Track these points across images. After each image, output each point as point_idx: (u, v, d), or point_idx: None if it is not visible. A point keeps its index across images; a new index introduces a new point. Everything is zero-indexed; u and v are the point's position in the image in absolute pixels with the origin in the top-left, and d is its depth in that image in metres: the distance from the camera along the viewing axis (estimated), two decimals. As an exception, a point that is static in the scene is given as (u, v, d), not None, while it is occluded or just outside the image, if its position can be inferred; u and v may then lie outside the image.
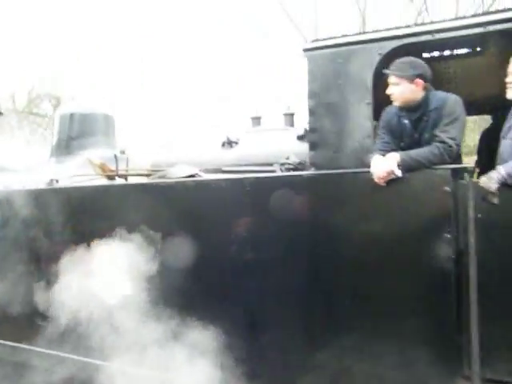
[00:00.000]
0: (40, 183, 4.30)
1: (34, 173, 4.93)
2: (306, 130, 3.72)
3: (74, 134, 5.06)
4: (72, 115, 5.14)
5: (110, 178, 4.19)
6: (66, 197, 3.67)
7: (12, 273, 3.81)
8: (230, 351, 2.94)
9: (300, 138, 3.72)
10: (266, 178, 3.12)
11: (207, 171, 3.63)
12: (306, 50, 3.19)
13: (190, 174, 3.46)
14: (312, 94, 3.09)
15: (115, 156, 4.04)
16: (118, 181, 4.01)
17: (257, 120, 4.42)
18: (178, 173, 3.45)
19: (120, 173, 4.11)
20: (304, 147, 3.63)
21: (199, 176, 3.44)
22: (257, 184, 3.00)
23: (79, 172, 4.43)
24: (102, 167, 4.15)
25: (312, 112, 3.07)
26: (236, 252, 3.02)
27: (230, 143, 3.86)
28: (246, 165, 3.66)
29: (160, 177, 3.51)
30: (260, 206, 2.97)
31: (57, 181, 4.22)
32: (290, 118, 4.41)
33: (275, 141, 3.80)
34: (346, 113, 2.93)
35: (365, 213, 2.73)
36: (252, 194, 3.01)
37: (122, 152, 5.03)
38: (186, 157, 3.98)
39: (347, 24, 19.21)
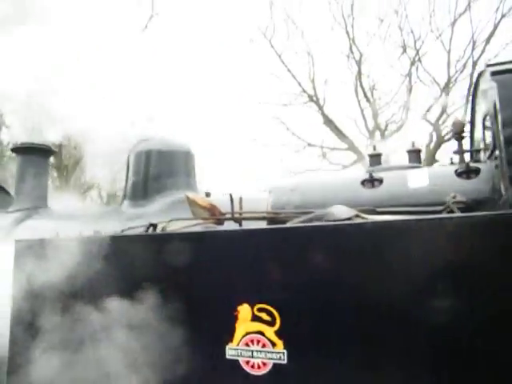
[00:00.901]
0: (130, 230, 3.70)
1: (113, 218, 4.31)
2: (467, 166, 3.29)
3: (152, 175, 4.47)
4: (149, 153, 4.57)
5: (219, 221, 3.62)
6: (199, 242, 3.05)
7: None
8: None
9: (460, 174, 3.28)
10: (466, 217, 2.63)
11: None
12: (494, 74, 2.80)
13: (351, 215, 2.93)
14: (507, 123, 2.68)
15: (230, 196, 3.48)
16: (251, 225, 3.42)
17: (376, 158, 3.98)
18: (338, 214, 2.92)
19: (226, 215, 3.55)
20: (467, 184, 3.19)
21: (363, 218, 2.92)
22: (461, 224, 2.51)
23: (168, 216, 3.84)
24: (211, 209, 3.57)
25: (509, 142, 2.66)
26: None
27: (372, 181, 3.38)
28: (404, 205, 3.18)
29: (315, 219, 2.97)
30: (468, 249, 2.47)
31: (155, 226, 3.61)
32: (415, 154, 4.03)
33: (430, 178, 3.34)
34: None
35: None
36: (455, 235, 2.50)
37: (208, 194, 4.48)
38: (319, 196, 3.46)
39: (344, 74, 19.53)
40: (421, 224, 2.60)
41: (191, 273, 3.01)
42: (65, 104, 5.41)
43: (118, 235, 3.45)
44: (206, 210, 3.58)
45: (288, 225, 3.07)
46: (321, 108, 19.84)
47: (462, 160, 3.59)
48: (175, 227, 3.38)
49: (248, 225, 3.52)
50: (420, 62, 18.81)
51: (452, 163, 3.66)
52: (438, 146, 18.90)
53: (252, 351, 2.84)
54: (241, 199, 3.49)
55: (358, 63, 19.40)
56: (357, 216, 2.95)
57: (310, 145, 20.15)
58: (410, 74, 18.97)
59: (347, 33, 19.27)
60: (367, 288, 2.63)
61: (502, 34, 17.42)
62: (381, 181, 3.42)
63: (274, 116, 19.60)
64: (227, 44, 19.77)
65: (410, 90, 19.14)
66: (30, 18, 5.21)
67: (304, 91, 19.78)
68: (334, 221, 2.89)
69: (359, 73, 19.47)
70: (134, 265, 3.16)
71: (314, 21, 19.78)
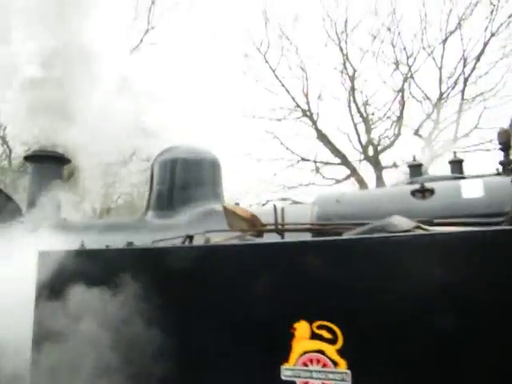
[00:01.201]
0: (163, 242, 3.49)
1: (139, 229, 4.10)
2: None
3: (178, 184, 4.28)
4: (175, 161, 4.37)
5: (259, 233, 3.44)
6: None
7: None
8: None
9: (519, 184, 3.16)
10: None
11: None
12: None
13: (412, 226, 2.78)
14: None
15: (274, 207, 3.31)
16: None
17: (417, 168, 3.86)
18: (400, 225, 2.76)
19: (268, 227, 3.37)
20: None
21: (425, 229, 2.77)
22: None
23: (198, 227, 3.65)
24: (253, 220, 3.40)
25: None
26: None
27: (423, 192, 3.24)
28: (458, 216, 3.04)
29: (375, 230, 2.81)
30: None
31: (191, 238, 3.42)
32: (458, 165, 3.92)
33: (486, 189, 3.22)
34: None
35: None
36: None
37: (237, 204, 4.30)
38: (368, 208, 3.31)
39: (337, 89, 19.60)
40: (487, 235, 2.46)
41: (242, 287, 2.82)
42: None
43: (164, 247, 3.23)
44: (247, 221, 3.40)
45: (347, 236, 2.90)
46: (314, 123, 19.86)
47: (508, 170, 3.49)
48: (218, 239, 3.18)
49: (290, 237, 3.36)
50: (412, 78, 19.02)
51: (498, 173, 3.55)
52: (431, 161, 19.03)
53: (311, 371, 2.64)
54: (282, 210, 3.33)
55: (352, 79, 19.52)
56: (417, 227, 2.80)
57: (303, 159, 20.12)
58: (402, 90, 19.15)
59: (341, 49, 19.41)
60: (435, 301, 2.47)
61: (491, 52, 17.73)
62: (432, 191, 3.28)
63: (267, 130, 19.55)
64: (222, 58, 19.61)
65: (402, 106, 19.30)
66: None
67: (298, 106, 19.79)
68: (397, 232, 2.74)
69: (352, 88, 19.57)
70: (178, 278, 2.95)
71: (308, 37, 19.78)
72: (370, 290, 2.60)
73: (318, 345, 2.64)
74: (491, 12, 17.36)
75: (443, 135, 18.84)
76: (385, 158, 19.84)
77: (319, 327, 2.65)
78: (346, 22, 19.00)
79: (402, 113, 19.27)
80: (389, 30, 18.74)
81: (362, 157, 19.97)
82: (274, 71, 19.58)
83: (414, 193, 3.30)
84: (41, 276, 3.47)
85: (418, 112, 19.13)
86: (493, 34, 17.50)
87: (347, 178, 20.13)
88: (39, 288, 3.44)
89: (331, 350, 2.61)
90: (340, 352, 2.59)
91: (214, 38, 20.08)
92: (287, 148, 19.83)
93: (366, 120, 19.68)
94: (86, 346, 3.13)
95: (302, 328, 2.69)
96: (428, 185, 3.32)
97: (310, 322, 2.66)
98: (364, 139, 19.82)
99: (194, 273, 2.92)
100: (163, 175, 4.35)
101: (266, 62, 19.57)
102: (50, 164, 5.35)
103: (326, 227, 3.21)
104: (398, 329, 2.52)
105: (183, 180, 4.29)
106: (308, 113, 19.87)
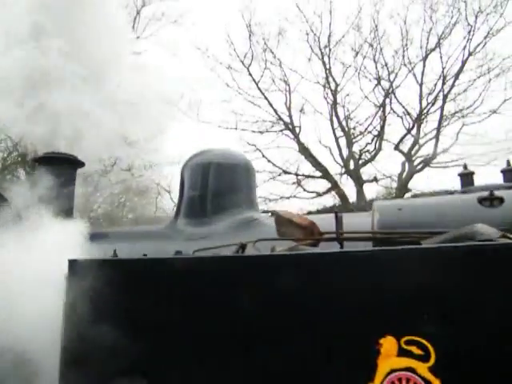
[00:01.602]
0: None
1: (172, 238, 3.82)
2: None
3: (212, 190, 4.02)
4: (208, 166, 4.11)
5: (315, 243, 3.23)
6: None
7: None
8: None
9: None
10: None
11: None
12: None
13: (497, 234, 2.64)
14: None
15: (336, 214, 3.11)
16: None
17: (469, 177, 3.73)
18: (487, 233, 2.61)
19: (325, 235, 3.17)
20: None
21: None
22: None
23: (239, 236, 3.42)
24: (311, 228, 3.19)
25: None
26: None
27: (491, 200, 3.10)
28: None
29: (460, 238, 2.64)
30: None
31: (243, 247, 3.19)
32: (469, 177, 3.79)
33: None
34: None
35: None
36: None
37: (273, 213, 4.07)
38: (433, 216, 3.15)
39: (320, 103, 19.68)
40: None
41: (320, 299, 2.60)
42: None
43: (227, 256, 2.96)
44: (306, 229, 3.19)
45: (430, 245, 2.72)
46: (296, 136, 19.83)
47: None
48: (280, 248, 2.95)
49: (350, 246, 3.16)
50: (393, 93, 19.25)
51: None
52: (411, 176, 19.24)
53: (400, 391, 2.43)
54: (341, 218, 3.14)
55: (334, 93, 19.62)
56: (504, 236, 2.65)
57: (285, 172, 20.05)
58: (383, 105, 19.35)
59: (323, 63, 19.51)
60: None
61: (470, 70, 18.15)
62: (501, 199, 3.15)
63: (249, 142, 19.40)
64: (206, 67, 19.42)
65: (383, 121, 19.50)
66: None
67: (280, 119, 19.74)
68: (483, 241, 2.58)
69: (334, 102, 19.67)
70: (241, 289, 2.71)
71: (292, 50, 19.80)
72: (462, 300, 2.43)
73: (407, 362, 2.44)
74: (468, 32, 17.81)
75: (423, 150, 19.12)
76: (366, 172, 20.00)
77: (408, 342, 2.45)
78: (329, 36, 19.15)
79: (382, 128, 19.47)
80: (371, 46, 18.97)
81: (343, 170, 20.04)
82: (257, 84, 19.50)
83: (481, 201, 3.16)
84: (72, 285, 3.17)
85: (398, 127, 19.36)
86: (470, 54, 17.93)
87: (328, 191, 20.17)
88: (68, 297, 3.14)
89: (423, 368, 2.42)
90: (433, 370, 2.39)
91: (206, 50, 19.72)
92: (269, 160, 19.72)
93: (347, 134, 19.79)
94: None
95: (388, 344, 2.48)
96: (498, 193, 3.18)
97: (398, 337, 2.46)
98: (345, 153, 19.90)
99: (275, 283, 2.66)
100: (195, 180, 4.10)
101: (250, 74, 19.49)
102: (63, 167, 5.03)
103: (393, 235, 3.02)
104: (497, 344, 2.35)
105: (217, 186, 4.05)
106: (290, 126, 19.83)
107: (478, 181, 3.81)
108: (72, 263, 3.21)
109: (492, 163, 17.39)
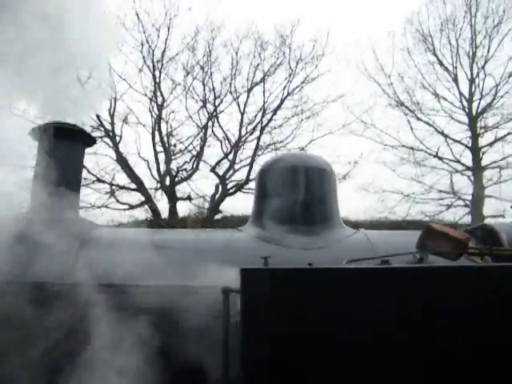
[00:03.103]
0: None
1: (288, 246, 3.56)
2: None
3: (314, 197, 3.87)
4: (291, 169, 3.93)
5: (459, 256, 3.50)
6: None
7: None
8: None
9: None
10: None
11: None
12: None
13: None
14: None
15: (493, 229, 3.46)
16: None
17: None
18: None
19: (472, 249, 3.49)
20: None
21: None
22: None
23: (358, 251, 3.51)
24: (467, 242, 3.45)
25: None
26: None
27: None
28: None
29: None
30: None
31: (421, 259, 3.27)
32: None
33: None
34: None
35: None
36: None
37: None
38: None
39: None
40: None
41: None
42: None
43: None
44: (462, 242, 3.42)
45: None
46: (116, 145, 18.90)
47: None
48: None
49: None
50: (217, 118, 20.07)
51: None
52: (223, 197, 20.19)
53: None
54: (497, 233, 3.47)
55: (160, 108, 19.44)
56: None
57: (98, 180, 18.82)
58: (206, 127, 19.99)
59: (154, 76, 19.23)
60: None
61: (286, 109, 20.28)
62: None
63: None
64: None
65: (203, 142, 20.09)
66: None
67: (101, 125, 18.58)
68: None
69: (159, 117, 19.48)
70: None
71: (124, 57, 18.86)
72: None
73: None
74: (289, 75, 19.94)
75: (237, 175, 20.33)
76: (180, 190, 20.21)
77: None
78: (163, 51, 19.02)
79: (202, 149, 20.03)
80: (202, 68, 19.52)
81: (159, 186, 19.85)
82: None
83: None
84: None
85: (217, 150, 20.20)
86: (289, 94, 20.06)
87: (141, 204, 19.67)
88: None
89: None
90: None
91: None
92: (84, 166, 18.25)
93: (167, 150, 19.73)
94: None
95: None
96: None
97: None
98: (163, 169, 19.79)
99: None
100: (295, 185, 3.88)
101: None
102: (72, 142, 4.15)
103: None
104: None
105: (320, 192, 3.92)
106: (111, 133, 18.82)
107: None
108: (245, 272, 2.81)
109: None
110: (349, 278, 2.83)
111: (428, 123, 19.85)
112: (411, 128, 20.02)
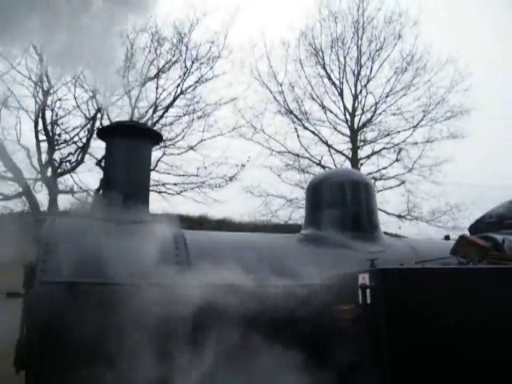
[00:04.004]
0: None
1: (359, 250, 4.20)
2: None
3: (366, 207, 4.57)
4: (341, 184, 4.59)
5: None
6: None
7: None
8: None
9: None
10: None
11: None
12: None
13: None
14: None
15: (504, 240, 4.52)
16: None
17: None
18: None
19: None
20: None
21: None
22: None
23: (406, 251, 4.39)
24: (489, 249, 4.46)
25: None
26: None
27: None
28: None
29: None
30: None
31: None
32: None
33: None
34: None
35: None
36: None
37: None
38: None
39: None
40: None
41: None
42: None
43: None
44: (486, 249, 4.40)
45: None
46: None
47: None
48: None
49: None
50: (107, 110, 19.40)
51: None
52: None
53: None
54: (504, 241, 4.50)
55: (46, 93, 18.25)
56: None
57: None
58: (94, 119, 19.26)
59: (41, 58, 17.94)
60: None
61: (178, 107, 20.44)
62: None
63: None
64: None
65: (90, 134, 19.29)
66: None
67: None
68: None
69: (44, 103, 18.27)
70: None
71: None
72: None
73: None
74: (184, 73, 20.12)
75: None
76: (62, 183, 19.20)
77: None
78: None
79: (89, 141, 19.25)
80: (95, 58, 18.72)
81: (39, 176, 18.62)
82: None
83: None
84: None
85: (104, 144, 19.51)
86: (182, 92, 20.21)
87: (19, 196, 18.27)
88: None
89: None
90: None
91: None
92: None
93: (51, 139, 18.61)
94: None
95: None
96: None
97: None
98: (45, 159, 18.62)
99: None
100: (352, 197, 4.53)
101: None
102: (140, 141, 4.28)
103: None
104: None
105: (369, 203, 4.59)
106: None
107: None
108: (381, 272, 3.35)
109: (183, 193, 20.11)
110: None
111: (314, 132, 21.61)
112: (298, 136, 21.58)
